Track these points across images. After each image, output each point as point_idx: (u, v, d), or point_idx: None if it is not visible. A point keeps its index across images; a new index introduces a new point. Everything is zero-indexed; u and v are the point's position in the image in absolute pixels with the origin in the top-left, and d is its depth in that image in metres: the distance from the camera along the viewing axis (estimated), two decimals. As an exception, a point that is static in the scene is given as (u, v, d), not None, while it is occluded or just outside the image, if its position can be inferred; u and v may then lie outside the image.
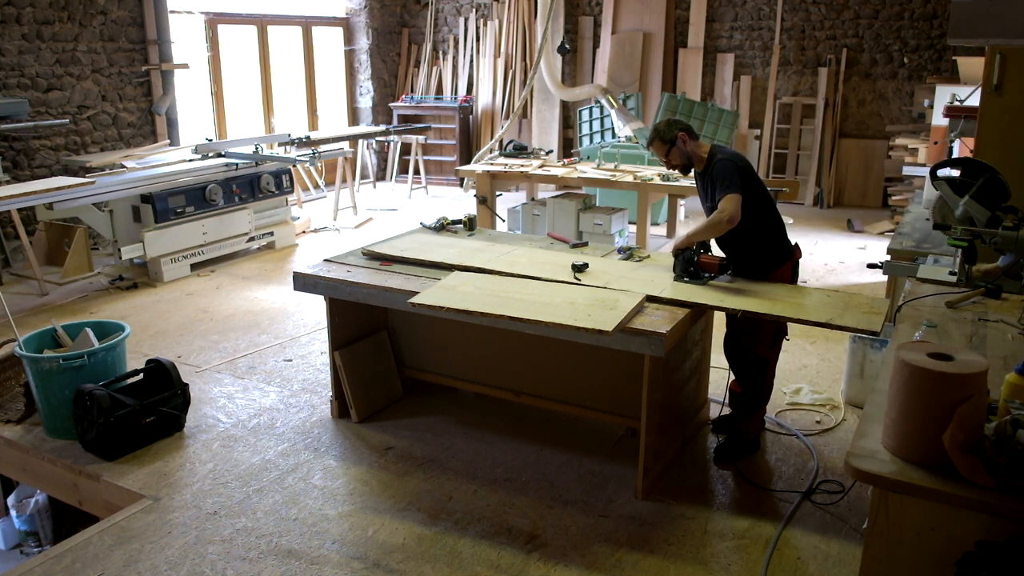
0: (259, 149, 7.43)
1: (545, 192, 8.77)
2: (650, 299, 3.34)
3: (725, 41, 9.73)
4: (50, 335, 4.06)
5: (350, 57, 10.93)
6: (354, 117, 11.15)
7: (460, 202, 9.57)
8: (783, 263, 3.58)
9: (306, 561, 2.95)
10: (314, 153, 7.90)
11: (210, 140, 7.66)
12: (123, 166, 6.77)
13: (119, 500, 3.45)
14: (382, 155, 11.29)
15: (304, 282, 3.86)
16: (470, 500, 3.35)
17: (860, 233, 8.14)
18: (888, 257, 3.93)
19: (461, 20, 10.88)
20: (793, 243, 3.67)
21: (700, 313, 3.42)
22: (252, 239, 7.19)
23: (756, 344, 3.54)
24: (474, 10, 10.78)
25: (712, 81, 9.82)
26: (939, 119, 6.65)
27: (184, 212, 6.50)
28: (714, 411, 4.13)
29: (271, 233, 7.39)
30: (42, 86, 7.00)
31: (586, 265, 3.71)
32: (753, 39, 9.60)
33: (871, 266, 3.63)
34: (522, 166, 7.06)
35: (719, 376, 4.45)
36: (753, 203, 3.43)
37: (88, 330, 3.98)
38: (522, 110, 10.36)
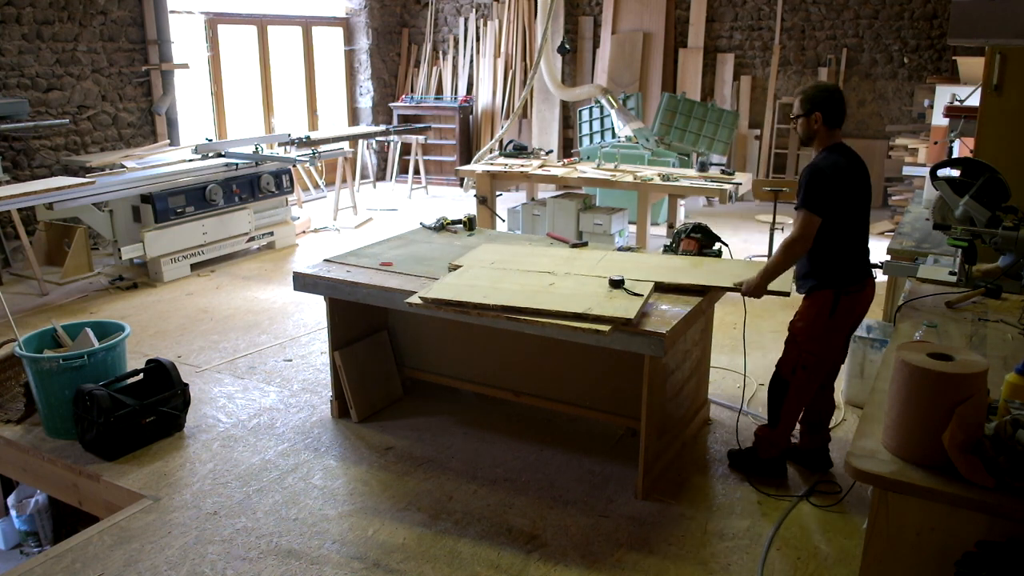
0: (259, 149, 7.43)
1: (545, 192, 8.78)
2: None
3: (725, 41, 9.73)
4: (50, 335, 4.06)
5: (350, 57, 10.93)
6: (354, 117, 11.15)
7: (460, 202, 9.57)
8: (823, 287, 3.18)
9: (306, 561, 2.95)
10: (314, 153, 7.90)
11: (210, 140, 7.66)
12: (123, 166, 6.77)
13: (119, 500, 3.45)
14: (382, 155, 11.30)
15: (304, 282, 3.86)
16: (470, 500, 3.35)
17: (860, 233, 8.12)
18: (888, 257, 3.93)
19: (461, 20, 10.88)
20: (866, 276, 3.24)
21: (700, 313, 3.42)
22: (252, 239, 7.19)
23: (781, 362, 3.37)
24: (474, 10, 10.78)
25: (712, 81, 9.82)
26: (939, 119, 6.65)
27: (184, 212, 6.50)
28: (714, 411, 4.13)
29: (271, 233, 7.39)
30: (42, 86, 7.01)
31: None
32: (753, 39, 9.60)
33: (871, 266, 3.63)
34: (522, 166, 7.06)
35: (719, 376, 4.45)
36: (831, 218, 3.09)
37: (88, 330, 3.98)
38: (522, 110, 10.36)
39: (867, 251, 3.28)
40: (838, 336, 3.31)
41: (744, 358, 4.50)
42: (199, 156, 7.21)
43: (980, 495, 1.78)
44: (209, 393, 4.36)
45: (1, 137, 6.73)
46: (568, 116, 10.61)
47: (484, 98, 10.75)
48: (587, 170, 6.87)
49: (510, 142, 7.90)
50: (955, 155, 5.11)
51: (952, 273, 3.20)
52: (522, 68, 10.52)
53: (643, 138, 8.05)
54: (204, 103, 8.95)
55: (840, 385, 4.38)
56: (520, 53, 10.53)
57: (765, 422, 3.48)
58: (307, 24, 10.16)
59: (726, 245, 4.05)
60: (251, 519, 3.21)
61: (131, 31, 7.70)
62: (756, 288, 3.29)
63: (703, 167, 7.12)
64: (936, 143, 7.11)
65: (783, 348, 3.39)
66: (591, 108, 9.09)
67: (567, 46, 9.92)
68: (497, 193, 7.41)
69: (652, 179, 6.43)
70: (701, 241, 3.96)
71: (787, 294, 3.43)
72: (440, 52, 11.16)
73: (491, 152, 8.95)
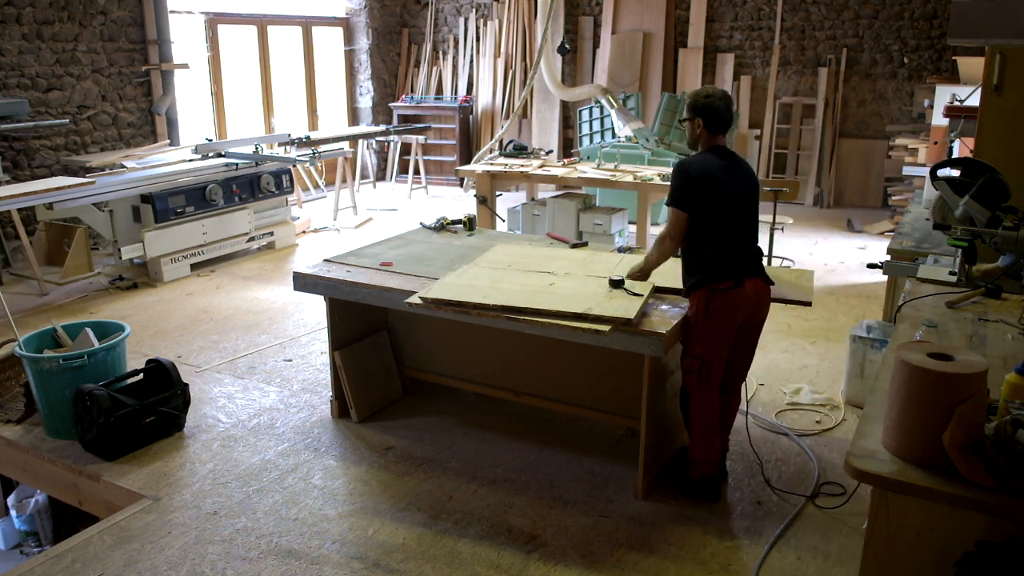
0: (259, 149, 7.43)
1: (545, 192, 8.77)
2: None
3: (725, 41, 9.73)
4: (50, 335, 4.06)
5: (350, 57, 10.93)
6: (354, 117, 11.15)
7: (460, 202, 9.57)
8: (697, 287, 3.14)
9: (306, 561, 2.95)
10: (314, 153, 7.90)
11: (210, 140, 7.66)
12: (123, 166, 6.77)
13: (119, 500, 3.45)
14: (382, 155, 11.30)
15: (304, 282, 3.87)
16: (470, 500, 3.35)
17: (860, 233, 8.14)
18: (888, 257, 3.93)
19: (461, 20, 10.88)
20: (746, 275, 3.13)
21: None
22: (252, 239, 7.19)
23: (683, 370, 3.28)
24: (474, 10, 10.78)
25: (712, 81, 9.81)
26: (939, 119, 6.65)
27: (184, 212, 6.50)
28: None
29: (271, 233, 7.39)
30: (42, 86, 7.00)
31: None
32: (753, 39, 9.60)
33: (871, 266, 3.63)
34: (522, 166, 7.06)
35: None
36: (699, 216, 3.10)
37: (88, 330, 3.98)
38: (522, 110, 10.35)
39: (749, 250, 3.18)
40: (722, 338, 3.16)
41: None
42: (199, 156, 7.21)
43: (980, 495, 1.78)
44: (209, 393, 4.36)
45: (1, 137, 6.73)
46: (568, 116, 10.61)
47: (484, 98, 10.74)
48: (587, 170, 6.86)
49: (510, 142, 7.90)
50: (955, 155, 5.12)
51: (952, 273, 3.20)
52: (522, 68, 10.52)
53: (643, 138, 8.05)
54: (204, 103, 8.95)
55: (840, 385, 4.39)
56: (520, 53, 10.53)
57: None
58: (307, 24, 10.16)
59: None
60: (251, 519, 3.21)
61: (131, 31, 7.70)
62: (639, 275, 3.32)
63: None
64: (936, 143, 7.11)
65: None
66: (591, 108, 9.09)
67: (567, 46, 9.92)
68: (497, 193, 7.41)
69: (652, 179, 6.43)
70: None
71: (809, 303, 3.42)
72: (440, 52, 11.16)
73: (491, 152, 8.95)
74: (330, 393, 4.13)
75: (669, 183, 3.18)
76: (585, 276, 3.55)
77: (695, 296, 3.16)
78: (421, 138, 10.29)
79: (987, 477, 1.78)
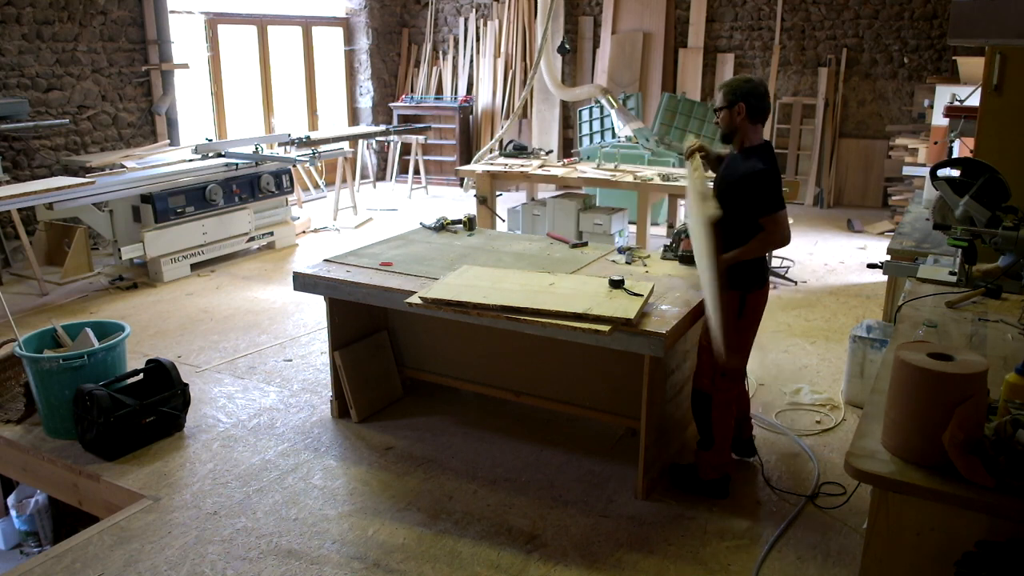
0: (259, 149, 7.43)
1: (545, 192, 8.77)
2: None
3: (725, 41, 9.73)
4: (50, 335, 4.06)
5: (350, 57, 10.93)
6: (354, 117, 11.15)
7: (460, 202, 9.57)
8: (730, 289, 3.11)
9: (306, 561, 2.95)
10: (314, 153, 7.90)
11: (210, 140, 7.66)
12: (123, 166, 6.77)
13: (119, 500, 3.45)
14: (382, 155, 11.29)
15: (304, 282, 3.87)
16: (470, 500, 3.35)
17: (860, 233, 8.14)
18: (888, 257, 3.93)
19: (461, 20, 10.88)
20: (766, 279, 3.24)
21: (700, 313, 3.41)
22: (252, 239, 7.19)
23: (697, 375, 3.33)
24: (474, 10, 10.78)
25: (712, 81, 9.82)
26: (939, 119, 6.65)
27: (184, 212, 6.50)
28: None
29: (271, 233, 7.39)
30: (42, 86, 7.00)
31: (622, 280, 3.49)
32: (753, 39, 9.60)
33: (871, 266, 3.63)
34: (522, 166, 7.06)
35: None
36: (753, 219, 3.10)
37: (88, 330, 3.98)
38: (522, 110, 10.35)
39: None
40: (748, 336, 3.27)
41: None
42: (199, 156, 7.21)
43: (980, 495, 1.78)
44: (209, 393, 4.36)
45: (1, 137, 6.73)
46: (568, 116, 10.61)
47: (484, 98, 10.74)
48: (587, 170, 6.86)
49: (510, 142, 7.90)
50: (955, 155, 5.12)
51: (952, 273, 3.20)
52: (522, 68, 10.52)
53: (643, 138, 8.05)
54: (204, 103, 8.95)
55: (840, 385, 4.39)
56: (520, 53, 10.53)
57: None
58: (307, 24, 10.16)
59: None
60: (251, 519, 3.21)
61: (131, 31, 7.70)
62: (722, 264, 3.07)
63: (703, 167, 7.11)
64: (936, 143, 7.11)
65: (697, 361, 3.34)
66: (591, 108, 9.08)
67: (567, 46, 9.92)
68: (497, 193, 7.41)
69: (652, 179, 6.43)
70: None
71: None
72: (440, 52, 11.16)
73: (491, 152, 8.95)
74: (330, 393, 4.13)
75: (750, 194, 3.05)
76: (585, 276, 3.55)
77: (725, 298, 3.05)
78: (421, 138, 10.29)
79: (987, 477, 1.78)
